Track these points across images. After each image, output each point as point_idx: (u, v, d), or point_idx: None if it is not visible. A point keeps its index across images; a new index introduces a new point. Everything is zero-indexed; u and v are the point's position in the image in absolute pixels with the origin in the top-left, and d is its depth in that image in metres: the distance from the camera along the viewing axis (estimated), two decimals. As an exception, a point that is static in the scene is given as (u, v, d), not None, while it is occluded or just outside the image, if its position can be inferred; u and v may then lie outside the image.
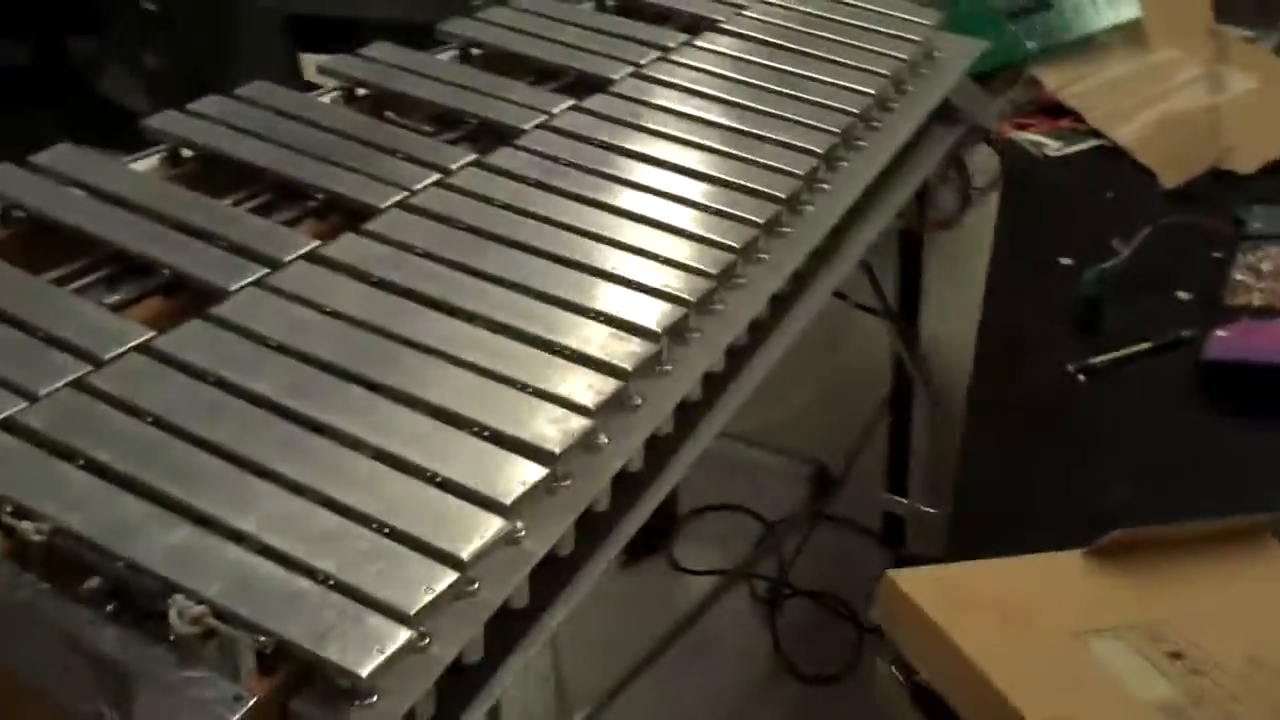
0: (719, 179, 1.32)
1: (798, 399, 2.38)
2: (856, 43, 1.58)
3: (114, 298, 1.15)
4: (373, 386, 1.04)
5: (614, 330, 1.12)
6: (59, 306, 1.11)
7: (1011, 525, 1.14)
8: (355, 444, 0.99)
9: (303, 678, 0.85)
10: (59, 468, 0.95)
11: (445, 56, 1.55)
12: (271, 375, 1.04)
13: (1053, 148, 1.68)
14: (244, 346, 1.07)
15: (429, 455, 0.98)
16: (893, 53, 1.56)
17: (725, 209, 1.27)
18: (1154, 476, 1.18)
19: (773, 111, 1.43)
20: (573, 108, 1.43)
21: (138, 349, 1.06)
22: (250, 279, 1.15)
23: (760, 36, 1.59)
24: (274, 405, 1.01)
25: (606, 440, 1.05)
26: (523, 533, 0.96)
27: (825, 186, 1.38)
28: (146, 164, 1.35)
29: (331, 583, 0.88)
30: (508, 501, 0.95)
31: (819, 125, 1.41)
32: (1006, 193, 1.66)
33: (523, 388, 1.05)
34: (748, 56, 1.54)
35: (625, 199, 1.28)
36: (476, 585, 0.92)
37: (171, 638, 0.85)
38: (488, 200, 1.27)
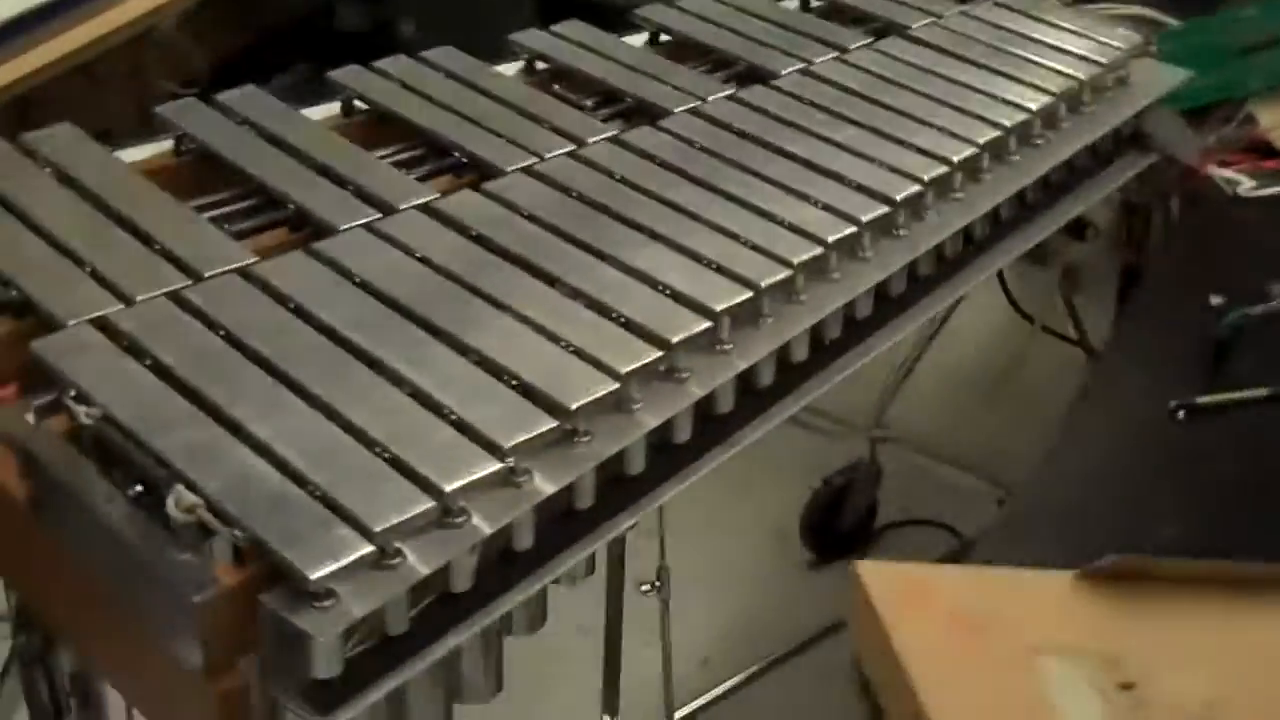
0: (842, 177, 1.33)
1: (989, 420, 2.36)
2: (1037, 58, 1.57)
3: (241, 225, 1.26)
4: (433, 330, 1.11)
5: (677, 305, 1.15)
6: (186, 227, 1.22)
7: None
8: (395, 378, 1.06)
9: (274, 575, 0.93)
10: (127, 364, 1.06)
11: (633, 39, 1.61)
12: (343, 309, 1.12)
13: (1246, 186, 1.63)
14: (328, 279, 1.16)
15: (455, 396, 1.04)
16: (1070, 72, 1.54)
17: (834, 205, 1.29)
18: (1209, 520, 1.15)
19: (923, 117, 1.43)
20: (728, 97, 1.47)
21: (237, 271, 1.16)
22: (360, 221, 1.23)
23: (940, 44, 1.59)
24: (334, 335, 1.10)
25: (639, 404, 1.09)
26: (525, 476, 1.01)
27: (958, 195, 1.38)
28: (319, 112, 1.46)
29: (319, 494, 0.96)
30: (506, 445, 1.00)
31: (964, 135, 1.41)
32: (1182, 225, 1.62)
33: (566, 347, 1.10)
34: (919, 62, 1.55)
35: (743, 188, 1.31)
36: (464, 517, 0.98)
37: (169, 523, 0.94)
38: (609, 174, 1.33)
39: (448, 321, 1.12)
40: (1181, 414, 1.29)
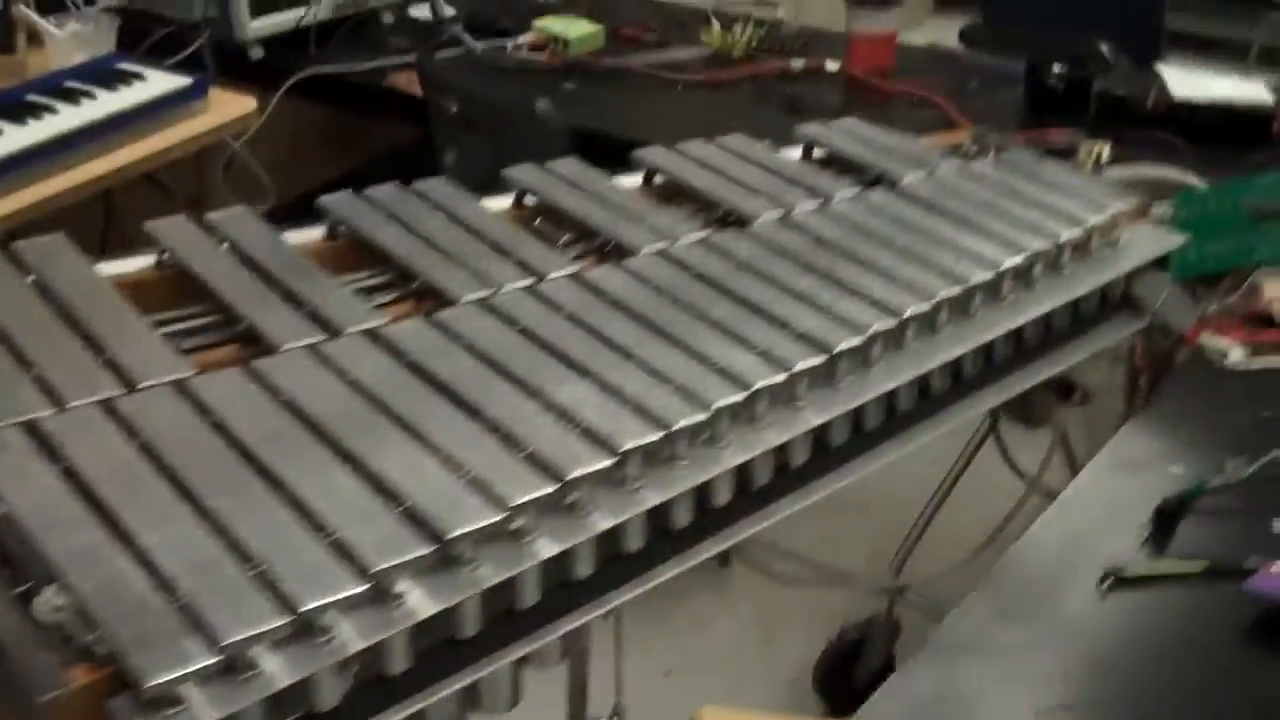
0: (787, 324, 1.35)
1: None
2: (1019, 215, 1.58)
3: (196, 340, 1.32)
4: (340, 452, 1.16)
5: (585, 440, 1.18)
6: (138, 339, 1.28)
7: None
8: (289, 496, 1.10)
9: (126, 681, 0.97)
10: (41, 467, 1.12)
11: (624, 179, 1.65)
12: (259, 425, 1.18)
13: (1236, 357, 1.61)
14: (255, 396, 1.22)
15: (340, 517, 1.08)
16: (1051, 229, 1.55)
17: (770, 352, 1.31)
18: (1104, 701, 1.13)
19: (886, 269, 1.45)
20: (699, 240, 1.51)
21: (172, 384, 1.22)
22: (303, 342, 1.29)
23: (926, 197, 1.61)
24: (245, 450, 1.15)
25: (533, 535, 1.12)
26: (398, 600, 1.05)
27: (911, 348, 1.40)
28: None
29: (181, 604, 0.99)
30: (374, 567, 1.03)
31: (923, 289, 1.42)
32: (1165, 390, 1.60)
33: (464, 475, 1.13)
34: (899, 214, 1.57)
35: (685, 330, 1.34)
36: (327, 634, 1.02)
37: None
38: (558, 309, 1.36)
39: (356, 444, 1.16)
40: (1106, 583, 1.28)
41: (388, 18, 2.82)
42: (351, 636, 1.04)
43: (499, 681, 1.17)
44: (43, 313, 1.32)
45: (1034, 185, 1.66)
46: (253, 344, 1.32)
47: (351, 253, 1.50)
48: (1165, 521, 1.35)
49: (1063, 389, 1.71)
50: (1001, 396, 1.52)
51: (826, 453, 1.37)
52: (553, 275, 1.43)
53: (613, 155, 1.72)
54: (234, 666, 0.99)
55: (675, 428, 1.22)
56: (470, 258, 1.45)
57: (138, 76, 2.36)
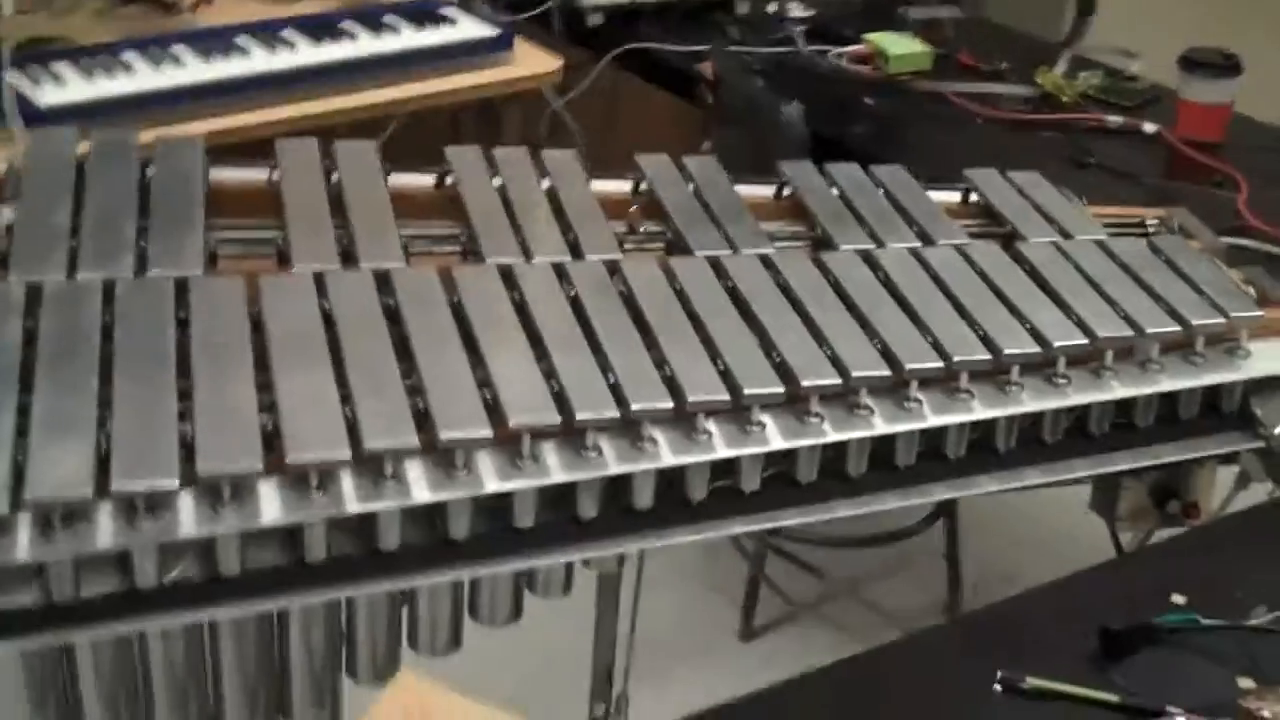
0: (773, 353, 1.35)
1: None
2: (1123, 296, 1.49)
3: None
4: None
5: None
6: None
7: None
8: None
9: None
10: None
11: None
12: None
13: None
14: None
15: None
16: (1145, 319, 1.45)
17: (734, 372, 1.31)
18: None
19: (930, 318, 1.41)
20: (760, 254, 1.50)
21: (164, 276, 1.34)
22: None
23: (1033, 257, 1.54)
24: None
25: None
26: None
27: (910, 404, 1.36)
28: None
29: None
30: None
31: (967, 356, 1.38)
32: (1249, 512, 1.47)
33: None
34: (985, 268, 1.51)
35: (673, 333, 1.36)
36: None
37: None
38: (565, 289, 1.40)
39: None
40: (998, 687, 1.20)
41: (742, 8, 2.87)
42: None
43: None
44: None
45: (1161, 274, 1.54)
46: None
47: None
48: (1113, 644, 1.24)
49: (1161, 494, 1.58)
50: (1044, 477, 1.44)
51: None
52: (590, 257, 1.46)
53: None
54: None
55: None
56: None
57: (449, 21, 2.51)
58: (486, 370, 1.29)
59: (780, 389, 1.32)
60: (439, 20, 2.48)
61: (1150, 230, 1.69)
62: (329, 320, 1.33)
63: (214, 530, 1.17)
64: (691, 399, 1.29)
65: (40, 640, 1.17)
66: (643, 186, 1.64)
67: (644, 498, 1.31)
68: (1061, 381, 1.43)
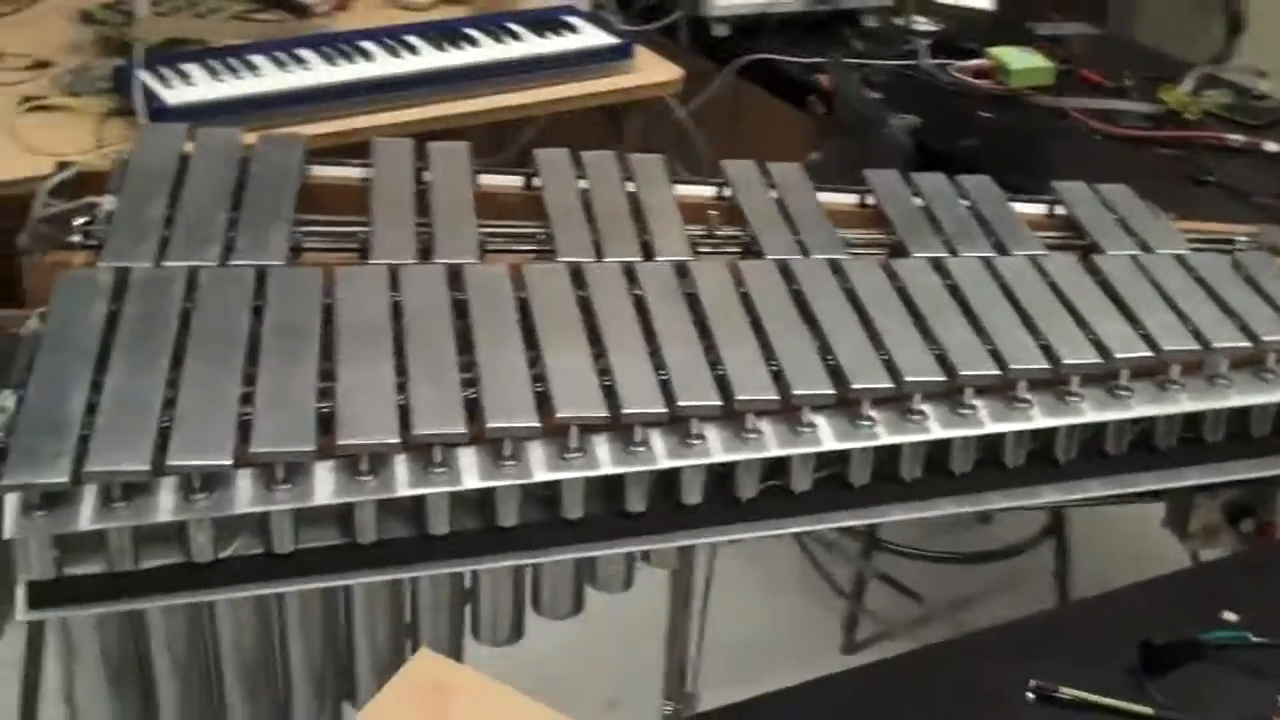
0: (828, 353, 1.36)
1: None
2: (1196, 311, 1.48)
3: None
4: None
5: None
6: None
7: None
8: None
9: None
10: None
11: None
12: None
13: None
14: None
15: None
16: (1214, 334, 1.44)
17: (786, 371, 1.33)
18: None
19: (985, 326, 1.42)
20: (829, 259, 1.52)
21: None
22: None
23: (1110, 270, 1.54)
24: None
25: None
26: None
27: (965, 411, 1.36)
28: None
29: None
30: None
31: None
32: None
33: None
34: (1060, 279, 1.51)
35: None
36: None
37: None
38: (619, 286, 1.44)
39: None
40: (1031, 695, 1.20)
41: (870, 20, 2.88)
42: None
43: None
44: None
45: (1238, 289, 1.53)
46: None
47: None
48: (1154, 658, 1.24)
49: (1236, 512, 1.56)
50: (1102, 489, 1.44)
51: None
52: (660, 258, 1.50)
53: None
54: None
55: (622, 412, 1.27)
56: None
57: (571, 28, 2.56)
58: (542, 364, 1.33)
59: (831, 391, 1.34)
60: (562, 28, 2.53)
61: (1238, 247, 1.67)
62: (398, 312, 1.38)
63: (268, 508, 1.22)
64: (740, 397, 1.32)
65: (112, 608, 1.24)
66: (726, 191, 1.67)
67: (693, 494, 1.34)
68: (1124, 393, 1.43)
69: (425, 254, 1.49)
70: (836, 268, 1.51)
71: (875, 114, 2.27)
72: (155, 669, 1.29)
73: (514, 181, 1.68)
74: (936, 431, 1.37)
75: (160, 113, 2.15)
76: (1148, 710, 1.20)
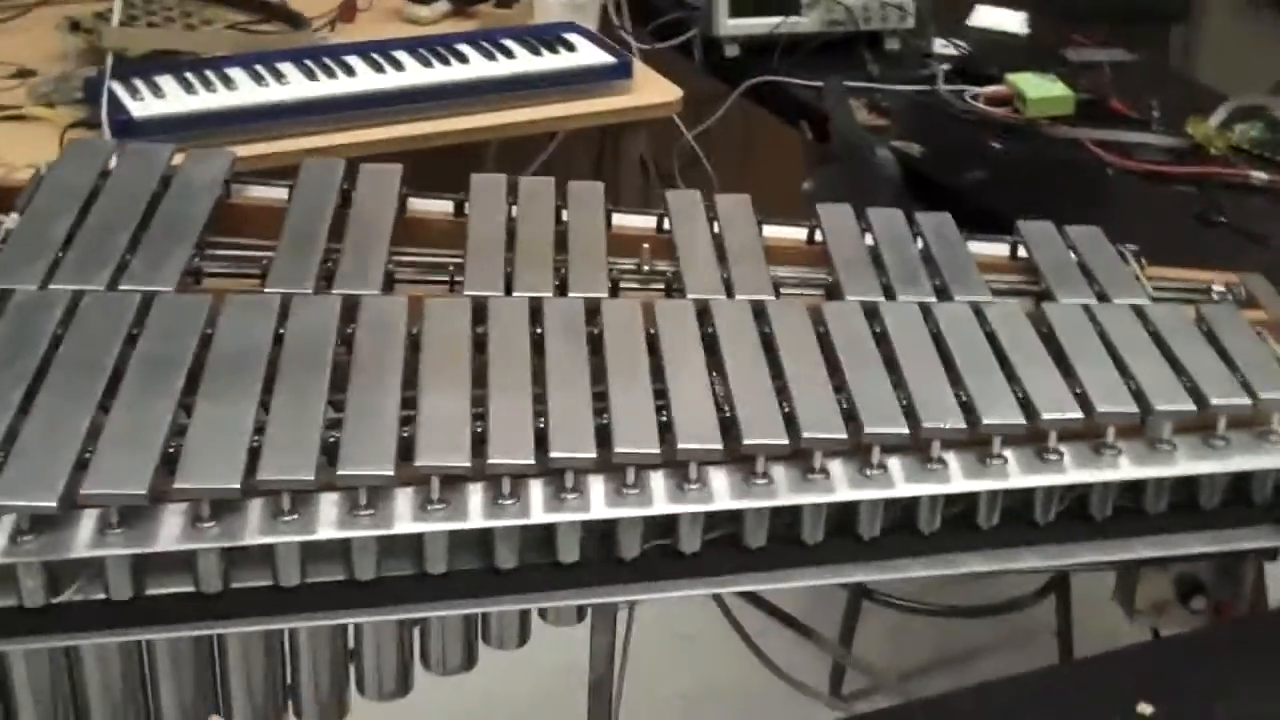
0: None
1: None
2: (1143, 369, 1.38)
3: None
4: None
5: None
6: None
7: None
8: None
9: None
10: None
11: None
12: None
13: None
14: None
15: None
16: (1155, 401, 1.34)
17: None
18: None
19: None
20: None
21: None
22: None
23: (1057, 320, 1.45)
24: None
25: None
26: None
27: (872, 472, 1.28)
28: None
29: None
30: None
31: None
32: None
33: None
34: (1007, 329, 1.43)
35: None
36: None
37: None
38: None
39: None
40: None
41: (892, 43, 2.78)
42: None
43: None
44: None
45: (1195, 347, 1.43)
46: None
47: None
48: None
49: (1188, 588, 1.45)
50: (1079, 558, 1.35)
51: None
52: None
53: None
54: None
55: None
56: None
57: (569, 47, 2.49)
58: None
59: (718, 446, 1.25)
60: (560, 46, 2.46)
61: (1214, 298, 1.57)
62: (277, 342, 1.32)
63: (101, 552, 1.17)
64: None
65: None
66: (666, 224, 1.59)
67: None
68: (1053, 457, 1.32)
69: (327, 283, 1.42)
70: (759, 310, 1.43)
71: (864, 141, 2.18)
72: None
73: (444, 207, 1.61)
74: (841, 492, 1.28)
75: (124, 124, 2.11)
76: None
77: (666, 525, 1.28)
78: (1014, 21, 2.98)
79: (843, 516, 1.32)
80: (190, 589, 1.21)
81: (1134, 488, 1.37)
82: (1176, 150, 2.41)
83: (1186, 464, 1.35)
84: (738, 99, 2.69)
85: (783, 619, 2.23)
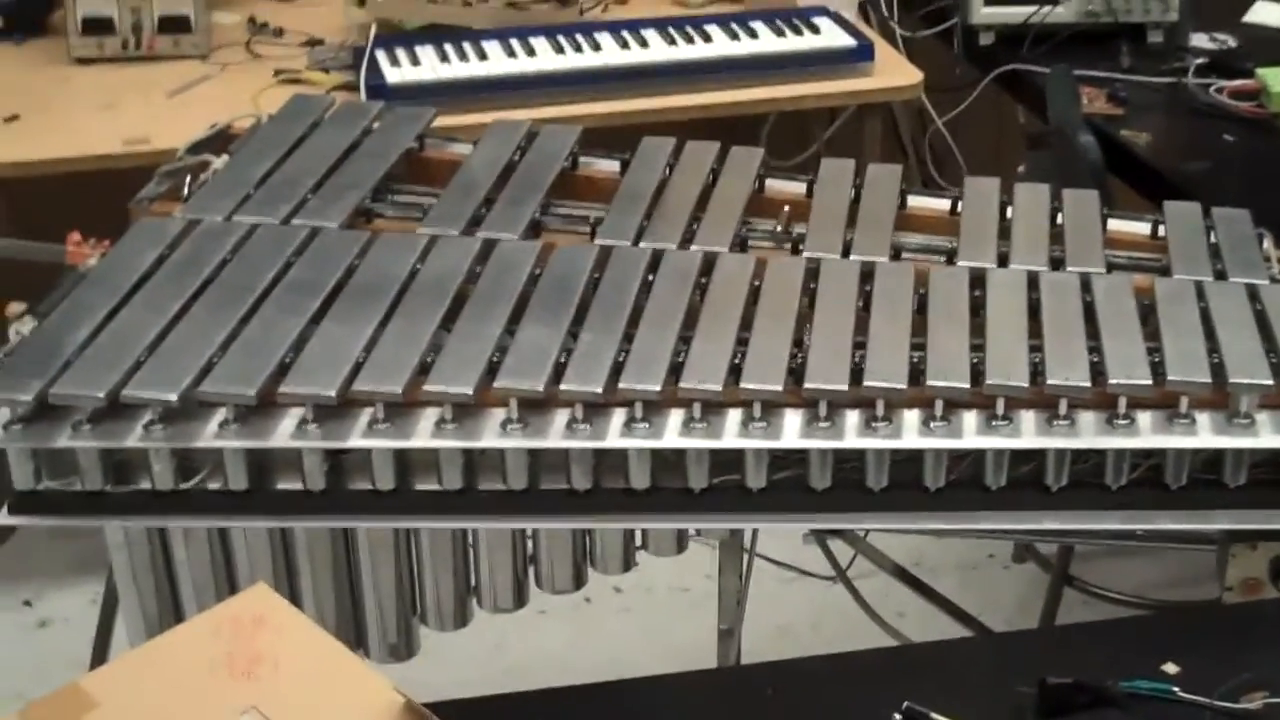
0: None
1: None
2: (1225, 340, 1.38)
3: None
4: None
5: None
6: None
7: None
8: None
9: None
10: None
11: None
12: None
13: None
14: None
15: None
16: (1233, 374, 1.33)
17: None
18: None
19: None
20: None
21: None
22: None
23: (1167, 293, 1.45)
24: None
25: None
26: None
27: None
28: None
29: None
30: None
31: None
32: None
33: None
34: (1105, 299, 1.44)
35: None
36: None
37: None
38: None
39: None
40: (899, 716, 1.15)
41: (1155, 35, 2.73)
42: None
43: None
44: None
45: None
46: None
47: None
48: (1049, 698, 1.17)
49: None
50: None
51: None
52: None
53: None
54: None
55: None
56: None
57: (814, 29, 2.55)
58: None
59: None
60: (806, 28, 2.52)
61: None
62: (412, 275, 1.45)
63: (223, 444, 1.31)
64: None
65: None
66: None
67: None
68: (1123, 422, 1.33)
69: (474, 227, 1.55)
70: (868, 269, 1.48)
71: (1070, 126, 2.17)
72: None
73: (612, 166, 1.72)
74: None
75: (379, 89, 2.29)
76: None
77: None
78: (1295, 18, 2.88)
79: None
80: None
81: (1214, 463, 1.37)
82: None
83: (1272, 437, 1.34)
84: (990, 87, 2.70)
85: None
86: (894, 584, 2.20)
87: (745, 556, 1.82)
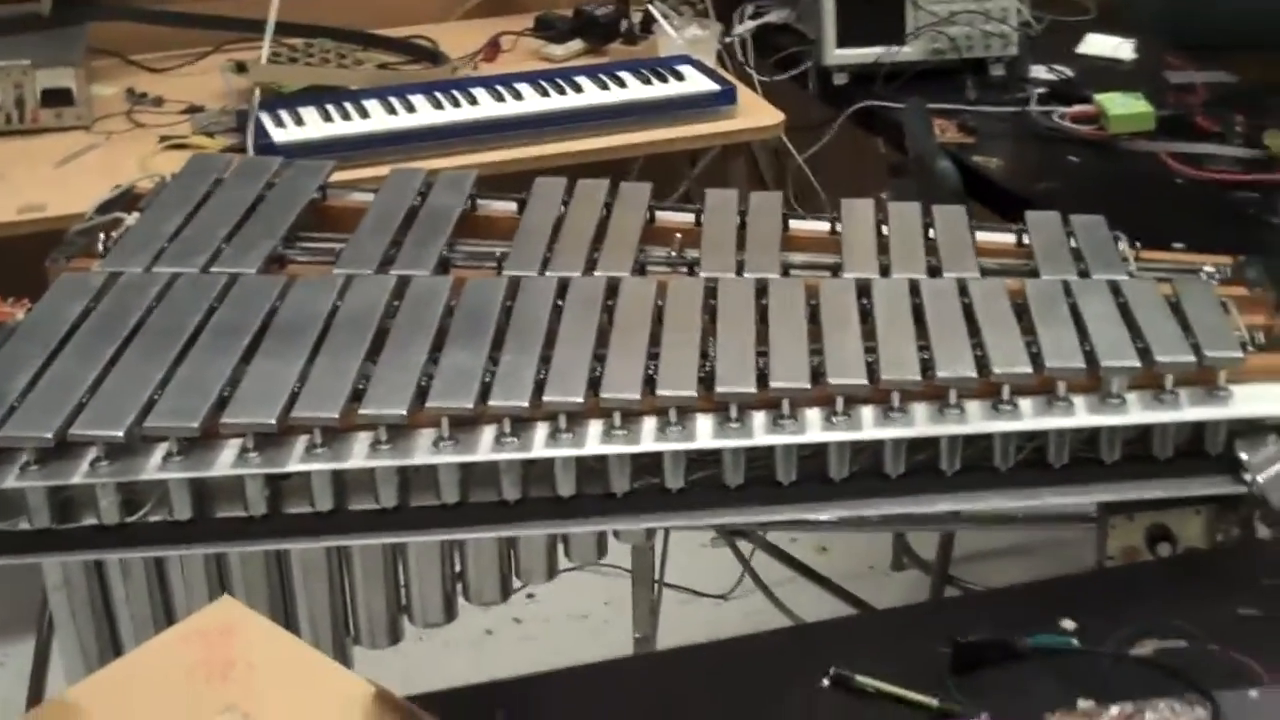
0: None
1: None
2: (1104, 332, 1.50)
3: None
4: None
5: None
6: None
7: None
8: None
9: None
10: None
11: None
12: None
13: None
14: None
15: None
16: (1104, 358, 1.45)
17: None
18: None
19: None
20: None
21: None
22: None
23: (1036, 293, 1.56)
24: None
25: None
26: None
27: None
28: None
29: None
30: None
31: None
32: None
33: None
34: (980, 301, 1.55)
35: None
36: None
37: None
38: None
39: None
40: (828, 681, 1.24)
41: (997, 69, 2.89)
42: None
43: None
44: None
45: (1155, 313, 1.53)
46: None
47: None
48: (963, 656, 1.26)
49: (1156, 536, 1.54)
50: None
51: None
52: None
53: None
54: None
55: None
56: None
57: (678, 76, 2.66)
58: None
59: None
60: (670, 76, 2.64)
61: (1202, 277, 1.66)
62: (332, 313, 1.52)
63: (164, 476, 1.37)
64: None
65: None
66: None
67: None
68: (1007, 408, 1.44)
69: (386, 266, 1.62)
70: (762, 285, 1.58)
71: (928, 154, 2.30)
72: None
73: (509, 206, 1.80)
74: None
75: (267, 148, 2.35)
76: (931, 701, 1.23)
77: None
78: (1124, 48, 3.06)
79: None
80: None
81: (1090, 440, 1.48)
82: (1246, 161, 2.47)
83: (1139, 414, 1.46)
84: (845, 123, 2.83)
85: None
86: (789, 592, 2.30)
87: (657, 564, 1.90)
